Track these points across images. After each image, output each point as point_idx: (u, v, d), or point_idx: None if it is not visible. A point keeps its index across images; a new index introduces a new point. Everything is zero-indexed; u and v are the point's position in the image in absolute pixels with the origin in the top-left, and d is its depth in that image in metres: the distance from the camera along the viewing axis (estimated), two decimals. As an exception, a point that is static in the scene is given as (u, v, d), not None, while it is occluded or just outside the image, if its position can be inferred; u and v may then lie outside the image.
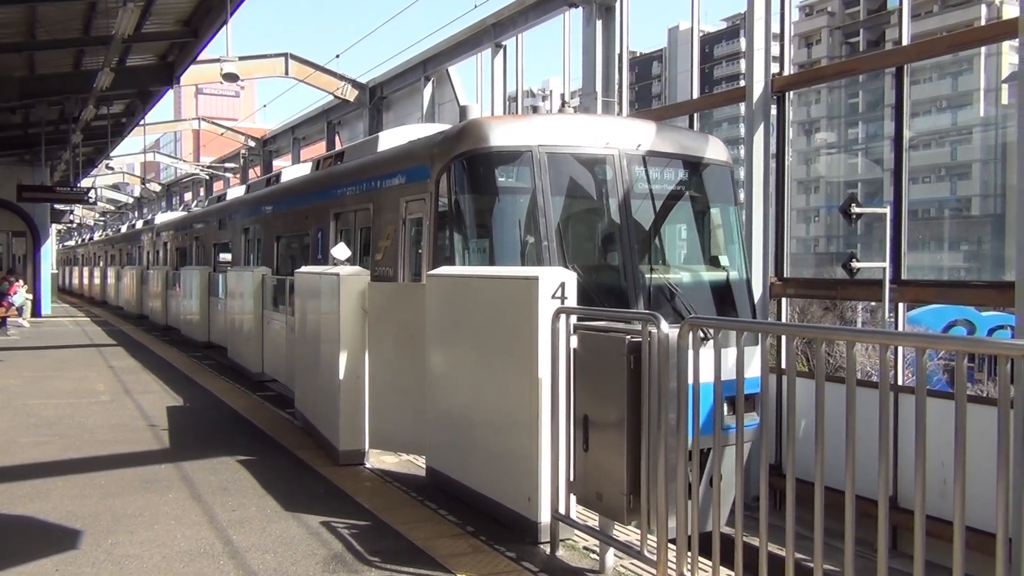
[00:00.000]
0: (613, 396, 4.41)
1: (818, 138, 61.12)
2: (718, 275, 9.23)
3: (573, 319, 4.89)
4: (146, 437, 8.76)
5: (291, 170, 16.52)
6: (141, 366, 14.74)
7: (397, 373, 7.20)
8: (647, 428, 4.21)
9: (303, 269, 9.66)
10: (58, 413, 10.01)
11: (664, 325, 4.16)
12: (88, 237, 60.03)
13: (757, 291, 11.25)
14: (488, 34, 18.92)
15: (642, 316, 4.35)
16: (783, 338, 7.33)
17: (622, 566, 4.80)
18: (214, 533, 5.51)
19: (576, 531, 5.07)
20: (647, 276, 8.46)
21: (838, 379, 8.72)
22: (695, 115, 14.37)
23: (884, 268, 10.80)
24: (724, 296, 9.13)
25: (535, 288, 5.06)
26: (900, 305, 11.10)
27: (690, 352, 4.06)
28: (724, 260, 9.27)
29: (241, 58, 21.81)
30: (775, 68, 12.63)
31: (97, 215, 59.53)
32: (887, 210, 11.28)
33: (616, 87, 15.51)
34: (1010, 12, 42.45)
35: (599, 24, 15.47)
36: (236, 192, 20.37)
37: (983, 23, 48.08)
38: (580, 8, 15.86)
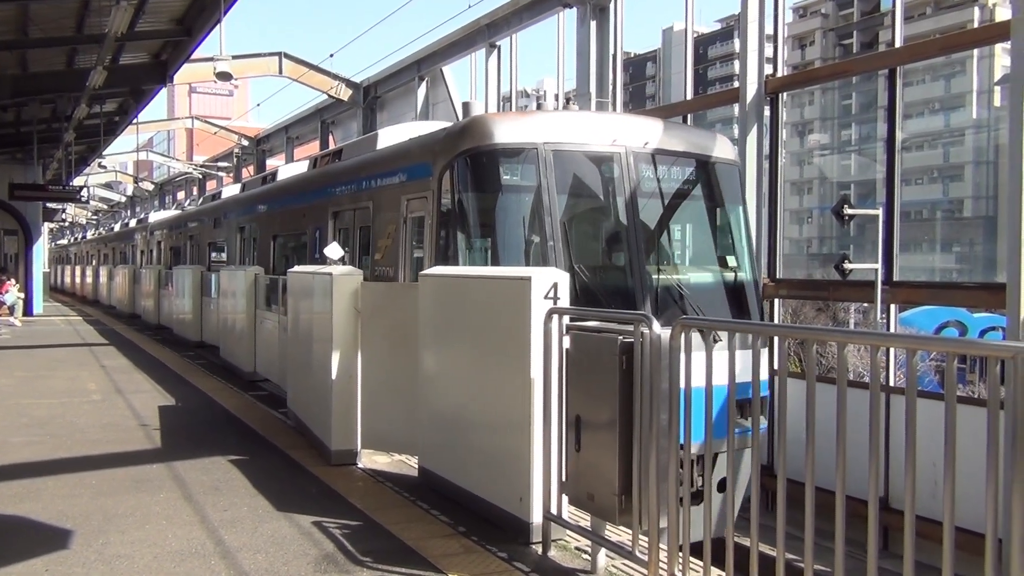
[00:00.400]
0: (605, 397, 4.41)
1: (811, 139, 61.28)
2: (726, 276, 9.02)
3: (566, 319, 4.89)
4: (138, 437, 8.74)
5: (288, 168, 16.39)
6: (133, 365, 14.69)
7: (390, 373, 7.19)
8: (639, 429, 4.22)
9: (296, 268, 9.63)
10: (49, 412, 9.98)
11: (656, 326, 4.16)
12: (81, 236, 59.83)
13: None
14: (482, 34, 18.92)
15: (634, 317, 4.35)
16: (775, 339, 7.38)
17: (614, 566, 4.80)
18: (205, 533, 5.49)
19: (568, 531, 5.07)
20: (654, 277, 8.30)
21: (830, 380, 8.76)
22: (689, 116, 14.40)
23: (876, 269, 10.82)
24: (732, 297, 8.93)
25: (528, 288, 5.06)
26: (892, 306, 11.13)
27: (682, 353, 4.06)
28: (732, 260, 9.08)
29: (235, 57, 21.63)
30: (769, 69, 12.66)
31: (89, 214, 59.33)
32: (879, 211, 11.31)
33: (610, 88, 15.53)
34: (1003, 14, 42.63)
35: (593, 25, 15.49)
36: (231, 190, 20.23)
37: (976, 25, 48.26)
38: (574, 8, 15.87)
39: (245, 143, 35.02)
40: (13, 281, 26.55)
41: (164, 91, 25.72)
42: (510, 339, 5.29)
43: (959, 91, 54.36)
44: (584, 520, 4.95)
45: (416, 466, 6.89)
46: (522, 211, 8.26)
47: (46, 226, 36.57)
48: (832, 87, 53.87)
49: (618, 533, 5.05)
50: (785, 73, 13.59)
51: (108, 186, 54.88)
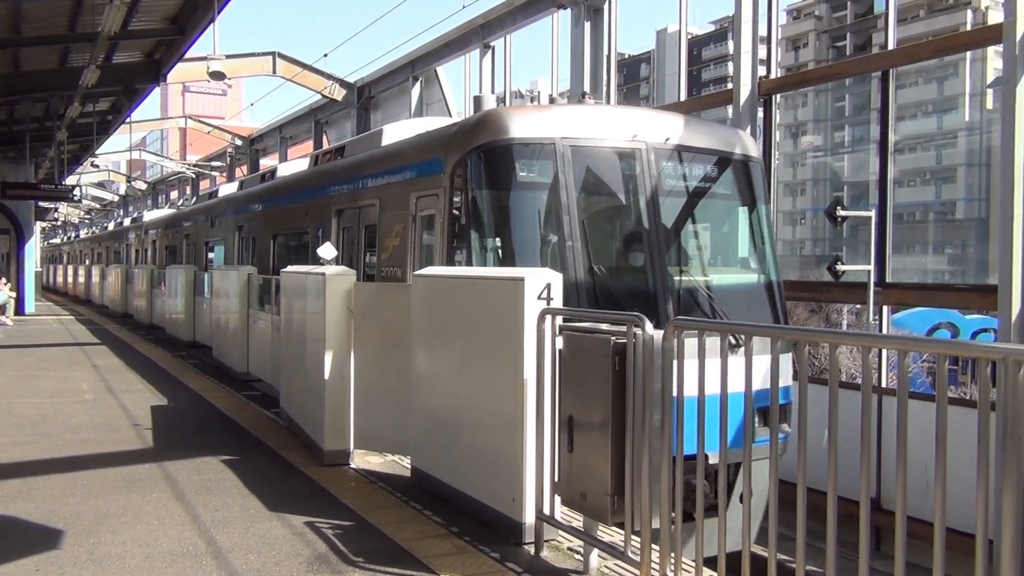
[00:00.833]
0: (598, 397, 4.41)
1: (805, 141, 61.39)
2: (749, 277, 8.69)
3: (559, 320, 4.89)
4: (130, 437, 8.71)
5: (288, 166, 16.19)
6: (125, 365, 14.65)
7: (383, 373, 7.19)
8: (631, 429, 4.22)
9: (289, 268, 9.61)
10: (41, 412, 9.94)
11: (649, 327, 4.17)
12: (74, 235, 59.67)
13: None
14: (476, 34, 18.92)
15: (627, 318, 4.36)
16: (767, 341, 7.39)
17: (606, 567, 4.80)
18: (197, 533, 5.48)
19: (560, 532, 5.08)
20: (676, 278, 7.94)
21: (822, 381, 8.75)
22: (682, 117, 14.40)
23: (869, 271, 10.86)
24: (755, 299, 8.56)
25: (521, 289, 5.06)
26: (885, 308, 11.17)
27: (676, 355, 4.07)
28: (754, 262, 8.75)
29: (228, 56, 21.68)
30: (762, 71, 12.69)
31: (82, 213, 59.20)
32: (872, 213, 11.35)
33: (604, 88, 15.54)
34: (995, 17, 42.77)
35: (587, 25, 15.49)
36: (229, 189, 20.03)
37: (969, 28, 48.43)
38: (568, 9, 15.88)
39: (239, 143, 34.96)
40: (5, 280, 26.47)
41: (157, 90, 25.73)
42: (503, 340, 5.29)
43: (952, 93, 54.57)
44: (577, 520, 4.96)
45: (409, 466, 6.88)
46: (539, 209, 7.93)
47: (38, 225, 36.43)
48: (825, 89, 53.94)
49: (610, 534, 5.05)
50: (779, 75, 13.62)
51: (101, 185, 54.73)
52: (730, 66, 14.25)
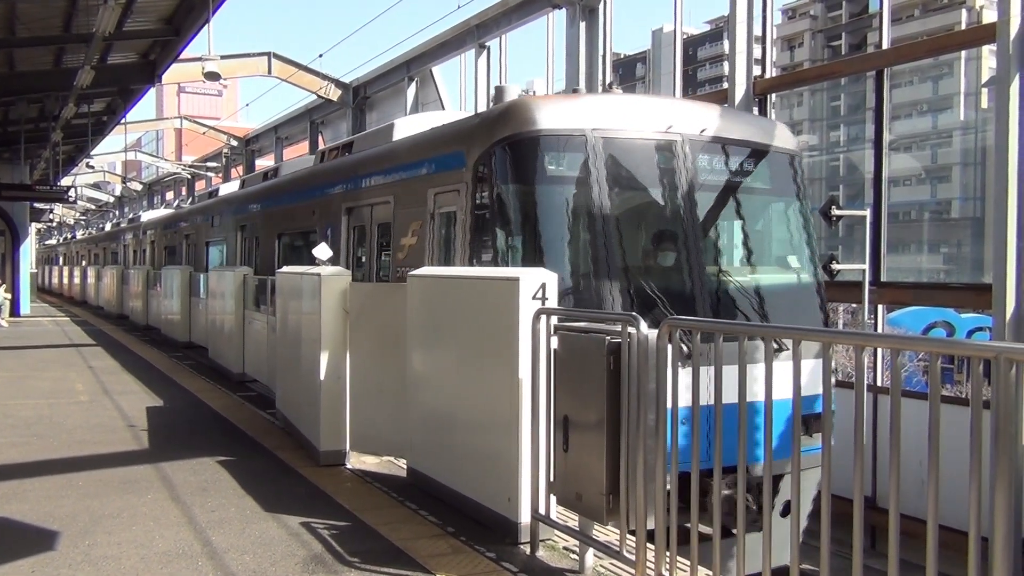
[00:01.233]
0: (593, 397, 4.42)
1: (800, 140, 61.33)
2: (791, 277, 8.21)
3: (554, 320, 4.90)
4: (125, 438, 8.70)
5: (292, 163, 15.86)
6: (121, 366, 14.63)
7: (379, 374, 7.18)
8: (626, 429, 4.23)
9: (284, 269, 9.59)
10: (36, 413, 9.93)
11: (643, 326, 4.17)
12: (71, 236, 59.54)
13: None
14: (472, 35, 18.92)
15: (621, 317, 4.36)
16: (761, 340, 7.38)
17: (601, 566, 4.81)
18: (193, 534, 5.48)
19: (556, 531, 5.08)
20: (713, 279, 7.51)
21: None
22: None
23: (864, 270, 10.87)
24: (798, 300, 8.12)
25: (516, 289, 5.07)
26: (880, 307, 11.18)
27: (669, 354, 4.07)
28: (796, 260, 8.28)
29: (223, 57, 21.64)
30: (757, 71, 12.71)
31: (77, 214, 59.10)
32: (867, 212, 11.36)
33: (600, 88, 15.54)
34: (990, 16, 42.86)
35: (583, 25, 15.50)
36: (230, 187, 19.75)
37: (963, 27, 48.53)
38: (564, 9, 15.88)
39: (234, 143, 34.94)
40: (0, 281, 26.42)
41: (152, 91, 25.68)
42: (498, 340, 5.30)
43: (947, 93, 54.66)
44: (572, 520, 4.96)
45: (405, 467, 6.88)
46: (568, 205, 7.45)
47: (33, 226, 36.37)
48: (821, 88, 53.96)
49: (606, 533, 5.06)
50: (774, 74, 13.64)
51: (96, 186, 54.63)
52: (725, 66, 14.26)
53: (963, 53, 40.74)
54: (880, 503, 9.67)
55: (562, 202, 7.50)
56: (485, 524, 5.42)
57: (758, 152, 8.09)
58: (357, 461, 7.42)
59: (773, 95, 12.89)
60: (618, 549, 4.43)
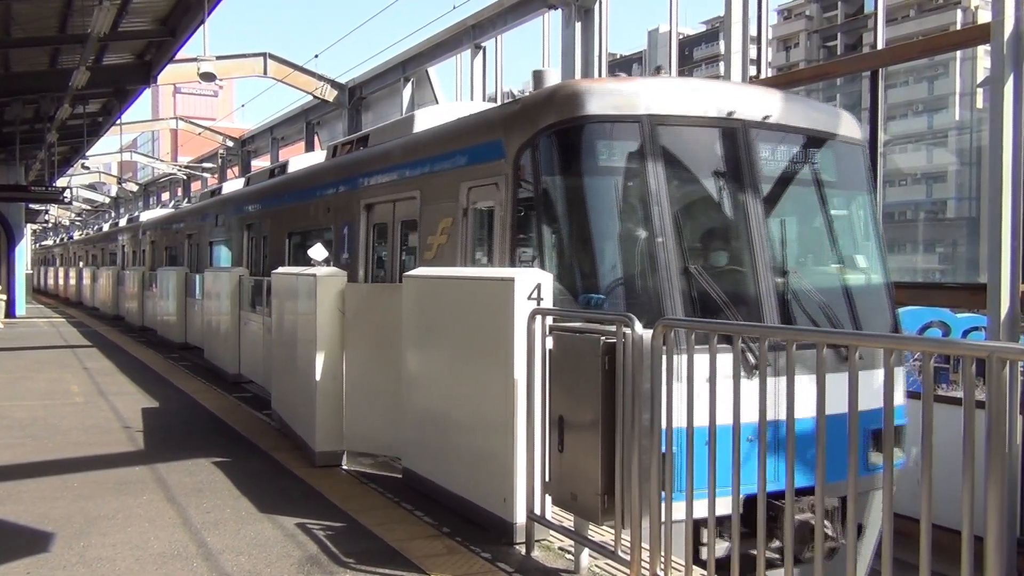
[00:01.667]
0: (588, 397, 4.43)
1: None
2: (861, 278, 7.52)
3: (549, 320, 4.90)
4: (120, 439, 8.69)
5: (301, 159, 15.25)
6: (116, 367, 14.61)
7: (374, 374, 7.19)
8: (621, 429, 4.23)
9: (280, 270, 9.59)
10: (31, 415, 9.91)
11: (638, 326, 4.18)
12: (67, 236, 59.41)
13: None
14: (468, 35, 18.91)
15: (616, 318, 4.36)
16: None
17: (597, 566, 4.81)
18: (188, 535, 5.48)
19: (551, 532, 5.09)
20: (780, 280, 6.77)
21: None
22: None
23: (859, 270, 10.88)
24: (872, 303, 7.43)
25: (511, 289, 5.07)
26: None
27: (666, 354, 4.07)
28: (864, 260, 7.63)
29: (219, 57, 21.58)
30: (753, 71, 12.73)
31: (73, 215, 59.01)
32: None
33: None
34: (985, 17, 42.95)
35: (578, 26, 15.50)
36: (234, 185, 19.30)
37: (959, 28, 48.63)
38: (559, 10, 15.88)
39: (230, 144, 34.89)
40: (-5, 283, 26.39)
41: (148, 92, 25.64)
42: (494, 340, 5.30)
43: (942, 93, 54.76)
44: (567, 520, 4.96)
45: (400, 467, 6.88)
46: (622, 200, 6.87)
47: (29, 227, 36.27)
48: (816, 88, 53.96)
49: (601, 533, 5.07)
50: (769, 75, 13.66)
51: (92, 187, 54.59)
52: (721, 66, 14.27)
53: (958, 53, 40.86)
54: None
55: (615, 196, 6.90)
56: (480, 524, 5.42)
57: (825, 141, 7.43)
58: (353, 461, 7.42)
59: (768, 95, 12.89)
60: (613, 549, 4.44)
